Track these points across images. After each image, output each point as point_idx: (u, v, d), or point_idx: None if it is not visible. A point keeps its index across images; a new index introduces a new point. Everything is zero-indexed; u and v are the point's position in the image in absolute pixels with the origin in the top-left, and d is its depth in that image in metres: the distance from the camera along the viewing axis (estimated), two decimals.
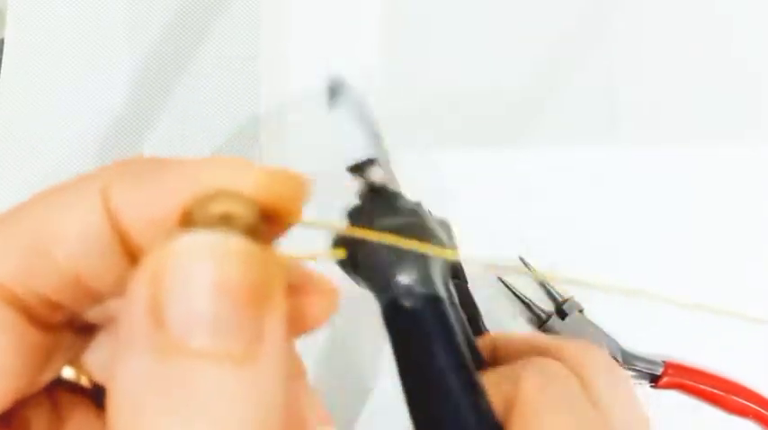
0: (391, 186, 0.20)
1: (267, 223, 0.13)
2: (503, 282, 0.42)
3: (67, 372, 0.16)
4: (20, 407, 0.13)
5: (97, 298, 0.14)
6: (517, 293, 0.42)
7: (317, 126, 0.45)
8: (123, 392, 0.10)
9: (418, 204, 0.19)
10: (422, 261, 0.16)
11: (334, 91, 0.20)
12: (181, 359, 0.09)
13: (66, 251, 0.13)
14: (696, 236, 0.44)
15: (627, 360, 0.41)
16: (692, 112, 0.45)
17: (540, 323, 0.42)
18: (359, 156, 0.20)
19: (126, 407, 0.10)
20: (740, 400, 0.40)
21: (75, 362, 0.16)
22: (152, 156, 0.14)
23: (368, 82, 0.46)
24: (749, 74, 0.46)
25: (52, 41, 0.46)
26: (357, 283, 0.17)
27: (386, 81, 0.46)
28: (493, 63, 0.46)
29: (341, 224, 0.18)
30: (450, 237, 0.18)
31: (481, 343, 0.20)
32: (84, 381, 0.16)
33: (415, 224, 0.17)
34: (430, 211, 0.18)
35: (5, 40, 0.45)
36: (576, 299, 0.42)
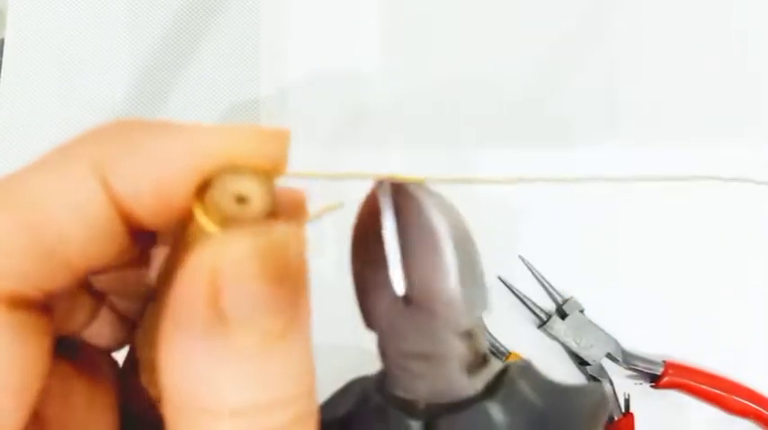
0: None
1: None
2: (503, 281, 0.42)
3: None
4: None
5: (97, 272, 0.14)
6: (517, 293, 0.42)
7: (316, 126, 0.45)
8: (187, 369, 0.12)
9: None
10: None
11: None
12: (239, 341, 0.12)
13: (72, 249, 0.13)
14: (696, 235, 0.44)
15: (627, 360, 0.41)
16: (692, 112, 0.45)
17: (541, 323, 0.42)
18: None
19: (191, 380, 0.12)
20: (740, 400, 0.40)
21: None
22: (143, 120, 0.14)
23: (368, 80, 0.46)
24: (749, 74, 0.46)
25: (52, 41, 0.46)
26: None
27: (386, 80, 0.46)
28: (493, 63, 0.46)
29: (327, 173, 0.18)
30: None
31: None
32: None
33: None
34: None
35: (5, 40, 0.45)
36: (576, 299, 0.42)
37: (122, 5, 0.46)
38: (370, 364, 0.19)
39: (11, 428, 0.12)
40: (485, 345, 0.18)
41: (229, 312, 0.11)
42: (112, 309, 0.17)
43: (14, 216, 0.12)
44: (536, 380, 0.18)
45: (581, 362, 0.41)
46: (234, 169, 0.13)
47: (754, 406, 0.40)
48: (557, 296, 0.42)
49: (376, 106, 0.45)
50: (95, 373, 0.17)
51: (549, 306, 0.42)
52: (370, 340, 0.18)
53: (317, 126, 0.45)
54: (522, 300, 0.42)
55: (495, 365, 0.18)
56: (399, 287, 0.16)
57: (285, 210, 0.15)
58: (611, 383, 0.41)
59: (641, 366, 0.41)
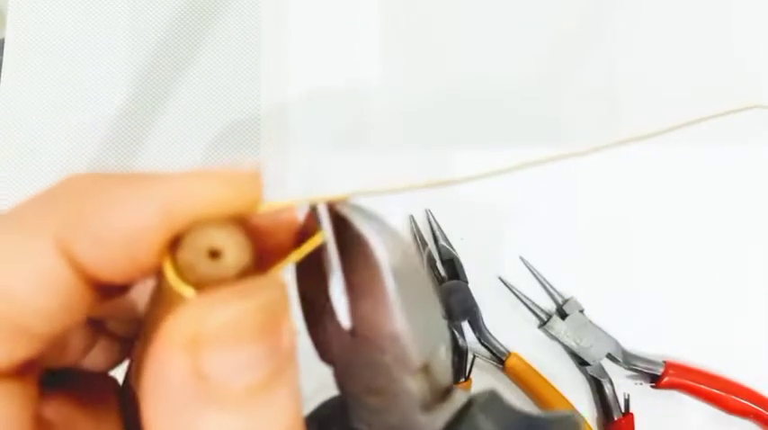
0: None
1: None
2: (503, 282, 0.42)
3: None
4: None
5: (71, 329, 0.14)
6: (518, 294, 0.42)
7: (316, 126, 0.45)
8: (170, 422, 0.12)
9: None
10: None
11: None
12: (221, 396, 0.12)
13: (36, 321, 0.12)
14: (696, 235, 0.44)
15: (627, 360, 0.41)
16: (693, 112, 0.45)
17: (541, 323, 0.42)
18: None
19: None
20: (740, 400, 0.40)
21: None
22: (103, 176, 0.13)
23: (368, 82, 0.46)
24: (749, 74, 0.46)
25: (52, 41, 0.46)
26: None
27: (386, 81, 0.46)
28: (493, 63, 0.46)
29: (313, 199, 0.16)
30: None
31: None
32: None
33: None
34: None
35: (5, 40, 0.45)
36: (577, 299, 0.42)
37: (122, 6, 0.46)
38: None
39: None
40: (446, 378, 0.16)
41: (211, 375, 0.11)
42: (110, 334, 0.17)
43: None
44: (502, 413, 0.17)
45: (581, 362, 0.41)
46: (204, 222, 0.12)
47: (753, 406, 0.40)
48: (557, 296, 0.42)
49: (376, 119, 0.45)
50: (98, 401, 0.16)
51: (550, 306, 0.42)
52: None
53: (317, 138, 0.45)
54: (522, 300, 0.42)
55: (458, 399, 0.17)
56: (345, 321, 0.16)
57: (272, 238, 0.14)
58: (611, 383, 0.41)
59: (641, 366, 0.41)
